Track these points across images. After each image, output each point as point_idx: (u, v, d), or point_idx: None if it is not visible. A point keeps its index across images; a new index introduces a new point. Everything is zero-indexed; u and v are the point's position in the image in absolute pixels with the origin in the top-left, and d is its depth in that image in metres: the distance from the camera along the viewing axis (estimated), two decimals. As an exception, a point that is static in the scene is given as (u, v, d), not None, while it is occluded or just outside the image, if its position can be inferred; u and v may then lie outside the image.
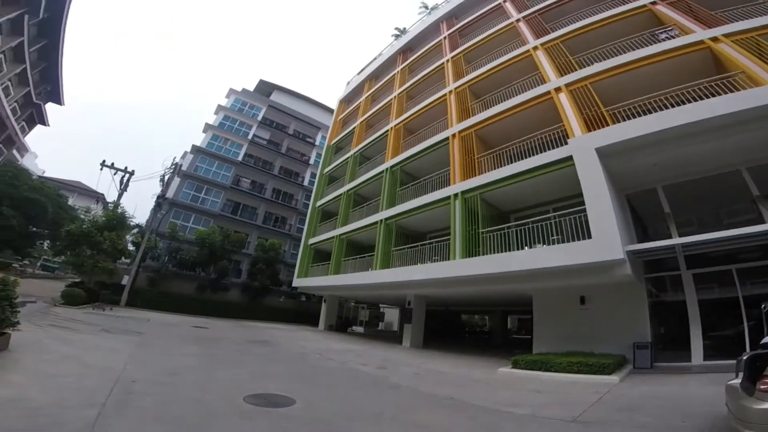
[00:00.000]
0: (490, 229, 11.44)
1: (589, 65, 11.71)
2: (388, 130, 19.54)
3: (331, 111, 36.38)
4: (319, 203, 24.28)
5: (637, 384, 7.42)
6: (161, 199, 24.21)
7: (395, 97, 21.09)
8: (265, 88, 40.09)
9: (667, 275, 10.22)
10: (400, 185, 16.87)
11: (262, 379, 6.54)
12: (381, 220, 16.33)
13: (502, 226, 11.23)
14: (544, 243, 9.97)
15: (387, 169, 17.66)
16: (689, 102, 9.05)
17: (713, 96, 8.76)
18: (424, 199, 14.30)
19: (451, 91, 16.39)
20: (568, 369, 8.18)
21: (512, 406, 5.77)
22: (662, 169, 10.10)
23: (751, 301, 8.52)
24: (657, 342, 9.76)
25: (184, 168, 28.45)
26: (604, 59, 11.49)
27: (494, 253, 10.80)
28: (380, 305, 30.13)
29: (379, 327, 30.05)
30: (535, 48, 13.68)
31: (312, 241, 22.91)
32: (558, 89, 11.65)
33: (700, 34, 10.10)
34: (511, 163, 11.75)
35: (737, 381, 3.93)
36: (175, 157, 26.66)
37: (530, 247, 10.11)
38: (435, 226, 15.10)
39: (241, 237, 27.11)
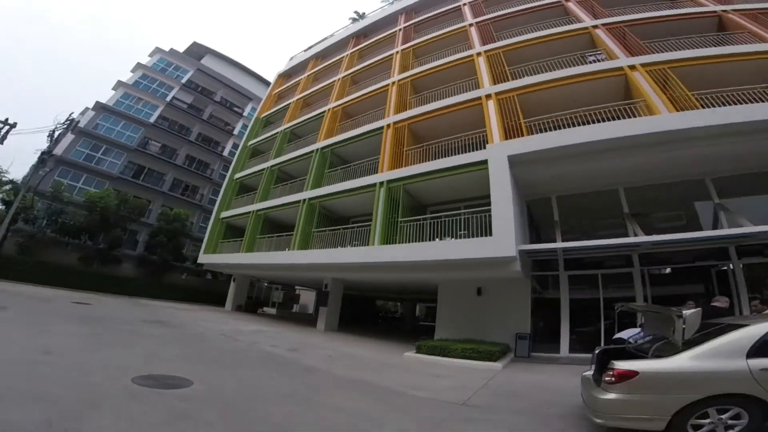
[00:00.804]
0: (408, 218, 11.95)
1: (520, 78, 12.61)
2: (325, 111, 19.13)
3: (267, 83, 34.59)
4: (238, 175, 22.83)
5: (517, 372, 8.39)
6: (46, 155, 20.47)
7: (339, 79, 20.67)
8: (197, 51, 36.65)
9: (549, 275, 11.69)
10: (330, 167, 16.65)
11: (155, 361, 6.05)
12: (305, 200, 15.95)
13: (419, 217, 11.82)
14: (453, 237, 10.74)
15: (318, 149, 17.31)
16: (599, 122, 10.25)
17: (616, 119, 10.06)
18: (351, 183, 14.35)
19: (394, 83, 16.57)
20: (462, 355, 8.98)
21: (416, 389, 6.17)
22: (558, 182, 11.42)
23: (609, 303, 10.16)
24: (535, 334, 11.17)
25: (82, 125, 24.63)
26: (535, 74, 12.45)
27: (410, 242, 11.33)
28: (296, 287, 29.60)
29: (293, 309, 29.53)
30: (479, 54, 14.38)
31: (225, 214, 21.46)
32: (488, 96, 12.40)
33: (622, 61, 11.37)
34: (436, 159, 12.34)
35: (590, 373, 4.58)
36: (72, 113, 22.65)
37: (441, 239, 10.81)
38: (359, 211, 15.21)
39: (141, 203, 24.34)
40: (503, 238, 9.34)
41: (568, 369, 8.26)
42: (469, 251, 9.85)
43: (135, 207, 23.34)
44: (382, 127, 14.85)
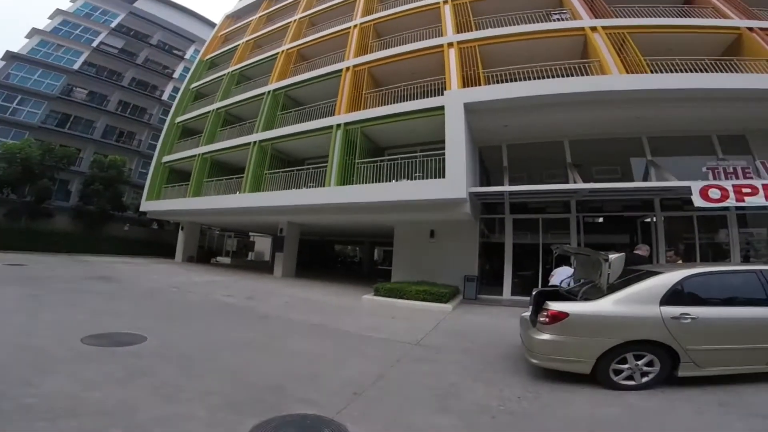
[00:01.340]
0: (366, 160, 12.05)
1: (484, 29, 12.48)
2: (279, 53, 17.88)
3: (212, 25, 31.63)
4: (180, 119, 21.22)
5: (465, 313, 9.02)
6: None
7: (296, 20, 19.03)
8: (130, -8, 31.96)
9: (496, 218, 12.45)
10: (282, 109, 15.99)
11: (104, 319, 5.90)
12: (255, 142, 15.36)
13: (376, 159, 11.94)
14: (409, 179, 11.05)
15: (270, 91, 16.40)
16: (554, 77, 10.53)
17: (570, 76, 10.42)
18: (307, 125, 14.05)
19: (356, 26, 15.66)
20: (417, 297, 9.53)
21: (373, 331, 6.56)
22: (509, 131, 11.84)
23: (547, 248, 11.04)
24: (482, 276, 12.10)
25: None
26: (499, 26, 12.36)
27: (367, 183, 11.53)
28: (250, 233, 29.08)
29: (248, 257, 29.17)
30: (445, 1, 13.83)
31: (167, 159, 20.11)
32: (450, 44, 12.27)
33: (585, 22, 11.53)
34: (396, 103, 12.31)
35: (528, 314, 4.81)
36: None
37: (397, 181, 11.10)
38: (314, 153, 14.96)
39: (69, 152, 22.06)
40: (455, 181, 9.75)
41: (510, 311, 8.96)
42: (423, 192, 10.24)
43: (63, 156, 21.16)
44: (341, 70, 14.31)
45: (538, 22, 12.18)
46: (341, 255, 40.49)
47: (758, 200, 8.50)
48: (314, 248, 26.84)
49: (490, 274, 12.40)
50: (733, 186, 8.64)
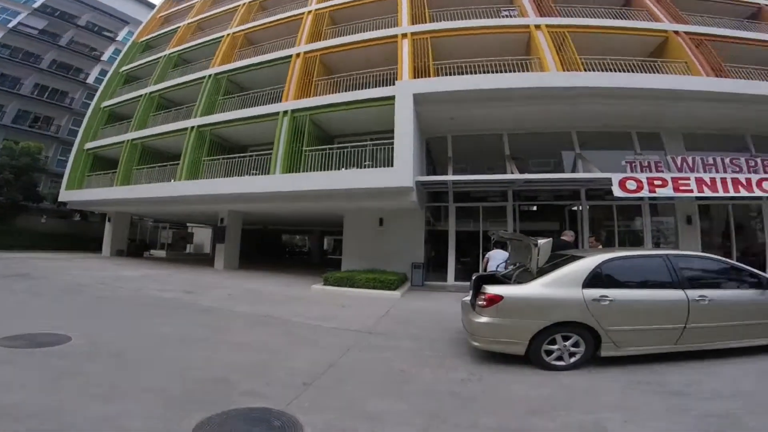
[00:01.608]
0: (314, 148, 11.87)
1: (437, 21, 12.71)
2: (224, 36, 16.94)
3: (151, 6, 29.84)
4: (107, 103, 19.50)
5: (412, 299, 9.30)
6: None
7: (245, 4, 17.99)
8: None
9: (441, 206, 12.88)
10: (225, 94, 15.22)
11: (22, 319, 5.33)
12: (193, 127, 14.51)
13: (325, 147, 11.82)
14: (358, 167, 11.09)
15: (212, 75, 15.58)
16: (499, 72, 11.03)
17: (513, 71, 10.99)
18: (251, 111, 13.57)
19: (310, 11, 15.14)
20: (366, 285, 9.66)
21: (323, 320, 6.53)
22: (455, 123, 12.26)
23: (487, 235, 11.52)
24: (429, 263, 12.51)
25: None
26: (452, 19, 12.62)
27: (315, 171, 11.39)
28: (188, 224, 27.36)
29: (187, 250, 27.43)
30: None
31: (91, 145, 18.38)
32: (405, 35, 12.38)
33: (531, 19, 12.07)
34: (347, 91, 12.26)
35: (468, 298, 4.97)
36: None
37: (347, 169, 11.09)
38: (259, 139, 14.45)
39: (-29, 138, 19.24)
40: (403, 170, 9.96)
41: (455, 296, 9.17)
42: (372, 181, 10.37)
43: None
44: (290, 56, 13.92)
45: (488, 17, 12.64)
46: (289, 245, 39.66)
47: (667, 191, 9.67)
48: (259, 238, 25.97)
49: (436, 261, 12.86)
50: (647, 178, 9.74)
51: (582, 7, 12.52)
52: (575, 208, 12.11)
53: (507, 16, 12.93)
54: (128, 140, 16.48)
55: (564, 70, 10.68)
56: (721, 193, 9.68)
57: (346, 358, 4.55)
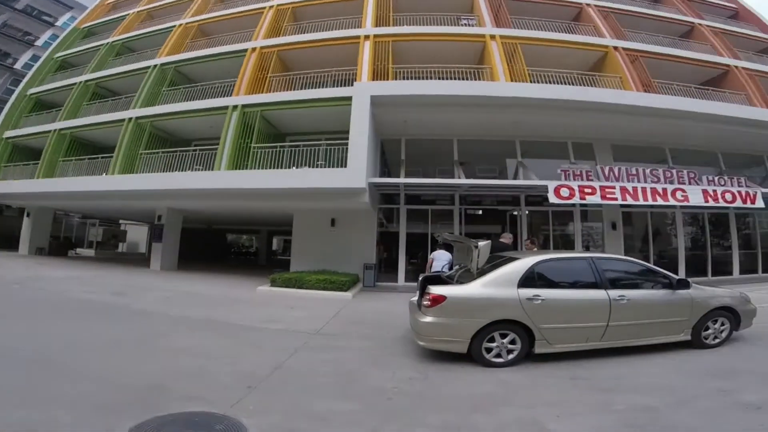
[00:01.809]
0: (264, 145, 11.51)
1: (400, 25, 12.87)
2: (176, 26, 16.03)
3: None
4: (34, 90, 17.77)
5: (364, 300, 9.31)
6: None
7: None
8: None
9: (393, 208, 13.06)
10: (171, 85, 14.41)
11: None
12: (132, 118, 13.54)
13: (275, 144, 11.52)
14: (311, 166, 10.95)
15: (158, 65, 14.67)
16: (453, 79, 11.40)
17: (467, 79, 11.45)
18: (197, 104, 12.96)
19: (272, 6, 14.68)
20: (317, 286, 9.53)
21: (269, 322, 6.35)
22: (409, 126, 12.50)
23: (435, 238, 12.03)
24: (381, 264, 12.63)
25: None
26: (414, 24, 12.87)
27: (265, 168, 11.08)
28: (120, 221, 25.26)
29: (119, 249, 25.32)
30: None
31: (12, 134, 16.58)
32: (367, 37, 12.39)
33: (487, 30, 12.50)
34: (304, 89, 12.09)
35: (415, 299, 5.11)
36: None
37: (298, 168, 10.89)
38: (205, 134, 13.73)
39: None
40: (356, 171, 9.95)
41: (405, 296, 9.27)
42: (324, 181, 10.27)
43: None
44: (246, 50, 13.47)
45: (449, 24, 13.02)
46: (235, 245, 37.97)
47: (595, 199, 10.59)
48: (202, 238, 24.58)
49: (388, 262, 13.01)
50: (579, 186, 10.59)
51: (535, 20, 13.19)
52: (516, 212, 12.85)
53: (466, 25, 13.37)
54: (56, 130, 15.02)
55: (512, 81, 11.27)
56: (641, 202, 10.80)
57: (293, 359, 4.48)
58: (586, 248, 12.49)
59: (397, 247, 12.46)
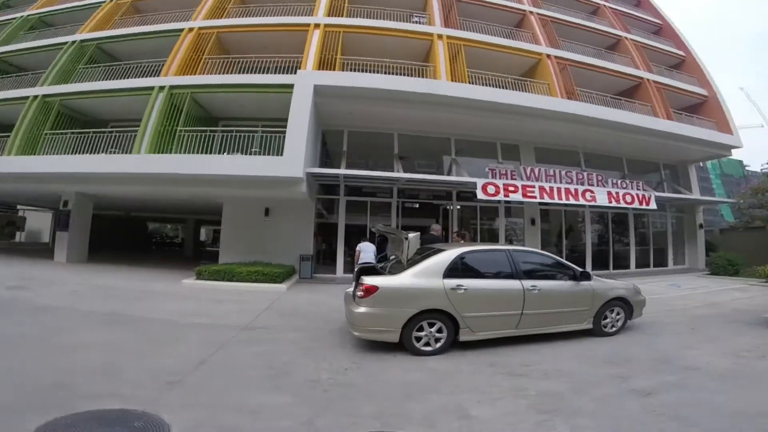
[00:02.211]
0: (192, 129, 10.85)
1: (353, 17, 12.68)
2: (105, 1, 14.53)
3: None
4: None
5: (300, 292, 9.20)
6: None
7: None
8: None
9: (332, 198, 12.99)
10: (90, 63, 13.08)
11: None
12: (38, 96, 12.14)
13: (206, 128, 10.93)
14: (246, 153, 10.52)
15: (77, 41, 13.33)
16: (400, 74, 11.54)
17: (413, 76, 11.72)
18: (119, 83, 12.02)
19: None
20: (248, 278, 9.17)
21: (193, 317, 6.04)
22: (353, 118, 12.50)
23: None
24: (319, 256, 12.55)
25: None
26: (367, 17, 12.73)
27: (193, 153, 10.44)
28: (18, 206, 21.96)
29: (16, 238, 22.04)
30: None
31: None
32: (317, 25, 12.10)
33: (435, 29, 12.71)
34: (244, 74, 11.60)
35: (351, 289, 5.19)
36: None
37: (231, 154, 10.45)
38: (125, 115, 12.51)
39: None
40: (293, 159, 9.73)
41: (343, 288, 9.18)
42: (259, 168, 9.90)
43: None
44: (182, 30, 12.58)
45: (402, 20, 13.11)
46: (158, 235, 35.11)
47: (518, 197, 11.52)
48: (118, 226, 22.36)
49: (327, 254, 12.92)
50: (504, 184, 11.42)
51: (482, 23, 13.73)
52: (449, 207, 13.49)
53: (417, 22, 13.55)
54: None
55: (453, 80, 11.70)
56: (557, 200, 11.96)
57: (220, 354, 4.34)
58: (510, 242, 13.49)
59: (336, 238, 12.42)
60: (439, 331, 4.49)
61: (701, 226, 16.43)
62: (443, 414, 3.04)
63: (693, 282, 11.97)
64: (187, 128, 10.78)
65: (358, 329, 4.54)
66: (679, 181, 16.65)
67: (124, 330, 5.12)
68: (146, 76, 11.91)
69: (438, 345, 4.49)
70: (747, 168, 49.06)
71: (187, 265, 13.26)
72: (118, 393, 3.07)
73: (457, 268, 4.69)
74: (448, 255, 4.78)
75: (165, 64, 11.86)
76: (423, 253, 5.03)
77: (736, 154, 17.70)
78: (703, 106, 16.09)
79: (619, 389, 3.52)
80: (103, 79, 12.34)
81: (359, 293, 4.48)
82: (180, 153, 10.39)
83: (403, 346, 4.46)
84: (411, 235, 4.78)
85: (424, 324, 4.44)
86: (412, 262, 4.79)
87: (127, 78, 12.10)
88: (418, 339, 4.45)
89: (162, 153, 10.38)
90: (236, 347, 4.62)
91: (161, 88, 11.22)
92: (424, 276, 4.57)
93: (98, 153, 10.97)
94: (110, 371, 3.59)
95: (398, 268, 4.93)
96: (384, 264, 6.09)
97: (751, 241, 15.14)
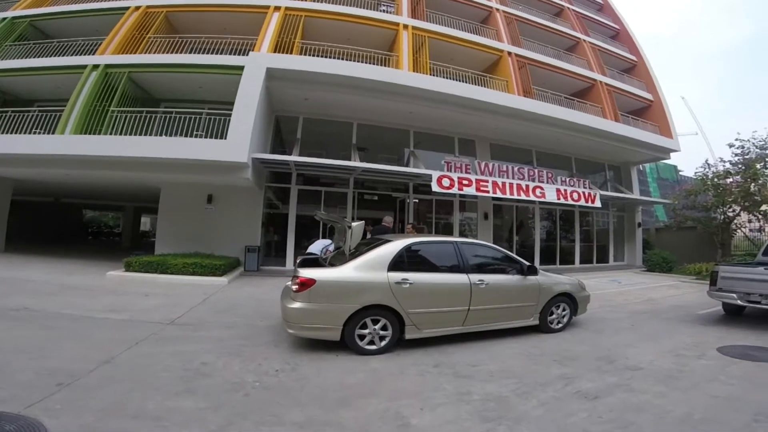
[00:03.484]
0: (126, 109, 9.97)
1: (316, 1, 12.21)
2: None
3: None
4: None
5: (242, 285, 8.62)
6: None
7: None
8: None
9: (284, 187, 12.34)
10: (19, 40, 11.85)
11: None
12: None
13: (142, 109, 10.05)
14: (189, 136, 9.74)
15: (8, 18, 12.15)
16: (361, 62, 11.19)
17: (375, 64, 11.31)
18: (45, 61, 10.94)
19: None
20: (183, 271, 8.46)
21: (111, 312, 5.46)
22: (309, 105, 11.97)
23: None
24: (268, 248, 11.92)
25: None
26: (335, 4, 12.21)
27: (124, 135, 9.55)
28: None
29: None
30: None
31: None
32: (278, 8, 11.51)
33: (401, 19, 12.38)
34: (192, 54, 10.82)
35: (290, 283, 4.71)
36: None
37: (169, 136, 9.65)
38: (54, 94, 11.37)
39: None
40: (237, 143, 9.10)
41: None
42: (198, 152, 9.14)
43: None
44: (128, 8, 11.65)
45: (369, 8, 12.65)
46: (95, 224, 32.50)
47: (471, 191, 11.56)
48: (47, 214, 20.27)
49: (278, 245, 12.28)
50: (458, 178, 11.41)
51: (447, 17, 13.55)
52: (406, 200, 13.31)
53: (384, 11, 13.19)
54: None
55: (415, 71, 11.48)
56: (508, 195, 12.15)
57: (131, 353, 3.85)
58: (464, 235, 13.53)
59: (286, 229, 11.85)
60: (384, 328, 4.18)
61: (639, 224, 17.48)
62: (379, 422, 2.76)
63: (632, 278, 12.60)
64: (121, 109, 9.85)
65: (293, 326, 4.11)
66: (621, 181, 17.55)
67: (28, 327, 4.56)
68: (81, 55, 10.90)
69: (383, 344, 4.18)
70: (680, 173, 53.05)
71: (121, 256, 12.15)
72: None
73: (403, 261, 4.39)
74: (393, 246, 4.45)
75: (103, 42, 10.92)
76: (370, 245, 4.69)
77: (672, 159, 18.93)
78: (648, 110, 16.95)
79: (566, 392, 3.36)
80: (33, 57, 11.16)
81: (294, 287, 4.07)
82: (108, 135, 9.41)
83: (346, 344, 4.11)
84: (354, 223, 4.44)
85: (368, 321, 4.12)
86: (357, 254, 4.44)
87: (59, 56, 11.01)
88: (362, 337, 4.11)
89: (88, 134, 9.37)
90: (152, 346, 4.11)
91: (95, 66, 10.30)
92: (367, 269, 4.22)
93: (17, 133, 9.79)
94: (-2, 371, 3.16)
95: (340, 259, 4.57)
96: (327, 255, 5.71)
97: (683, 240, 16.26)
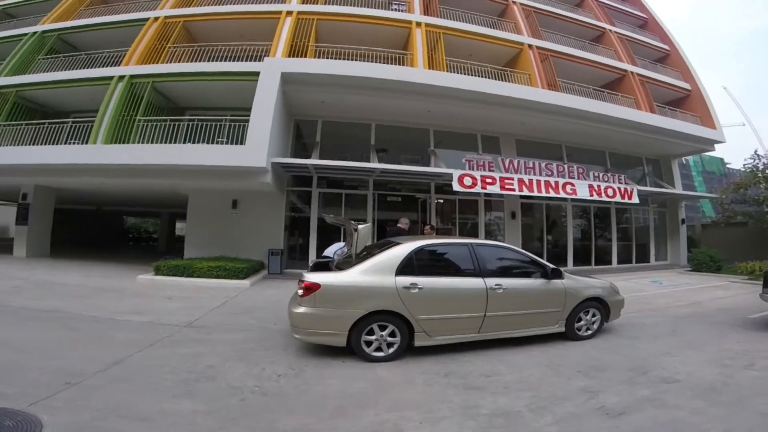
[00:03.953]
0: (152, 118, 10.36)
1: (329, 4, 12.30)
2: None
3: None
4: None
5: (263, 288, 8.65)
6: None
7: None
8: None
9: (306, 191, 12.40)
10: (50, 53, 12.67)
11: None
12: None
13: (166, 118, 10.39)
14: (211, 143, 10.02)
15: (38, 32, 12.92)
16: (377, 62, 11.13)
17: (390, 63, 11.22)
18: (76, 73, 11.53)
19: None
20: (208, 274, 8.64)
21: (134, 314, 5.61)
22: (326, 108, 12.00)
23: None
24: (292, 250, 12.03)
25: None
26: (344, 5, 12.30)
27: (150, 143, 9.95)
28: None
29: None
30: None
31: None
32: (290, 13, 11.68)
33: (414, 16, 12.26)
34: (211, 62, 11.21)
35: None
36: None
37: (193, 144, 9.97)
38: (86, 106, 11.97)
39: None
40: (256, 148, 9.23)
41: None
42: (219, 158, 9.36)
43: None
44: (147, 19, 12.14)
45: (380, 8, 12.61)
46: (135, 230, 34.28)
47: (495, 189, 11.12)
48: (90, 221, 21.57)
49: (300, 248, 12.39)
50: (481, 176, 11.01)
51: (462, 12, 13.28)
52: (428, 200, 13.04)
53: (396, 10, 13.10)
54: None
55: (430, 69, 11.26)
56: (536, 193, 11.58)
57: (142, 354, 3.92)
58: (491, 236, 13.07)
59: (308, 231, 11.91)
60: (392, 335, 4.00)
61: (683, 221, 16.30)
62: (375, 436, 2.59)
63: (675, 278, 11.72)
64: (147, 118, 10.26)
65: (299, 331, 4.02)
66: (661, 175, 16.48)
67: (53, 328, 4.74)
68: (108, 66, 11.42)
69: (391, 350, 4.00)
70: (728, 166, 49.61)
71: (156, 260, 12.72)
72: (5, 393, 2.87)
73: (412, 265, 4.17)
74: (402, 249, 4.24)
75: (127, 53, 11.40)
76: (381, 247, 4.52)
77: (717, 152, 17.62)
78: (686, 101, 15.87)
79: (587, 407, 3.02)
80: (63, 70, 11.80)
81: (299, 292, 3.98)
82: (136, 143, 9.83)
83: (353, 350, 3.97)
84: (361, 226, 4.33)
85: (375, 327, 3.96)
86: (365, 257, 4.29)
87: (88, 68, 11.57)
88: (369, 343, 3.96)
89: (118, 143, 9.85)
90: (164, 348, 4.17)
91: (121, 77, 10.75)
92: (373, 273, 4.05)
93: (54, 144, 10.45)
94: (11, 370, 3.35)
95: (348, 263, 4.43)
96: (338, 259, 5.61)
97: (732, 237, 15.06)
